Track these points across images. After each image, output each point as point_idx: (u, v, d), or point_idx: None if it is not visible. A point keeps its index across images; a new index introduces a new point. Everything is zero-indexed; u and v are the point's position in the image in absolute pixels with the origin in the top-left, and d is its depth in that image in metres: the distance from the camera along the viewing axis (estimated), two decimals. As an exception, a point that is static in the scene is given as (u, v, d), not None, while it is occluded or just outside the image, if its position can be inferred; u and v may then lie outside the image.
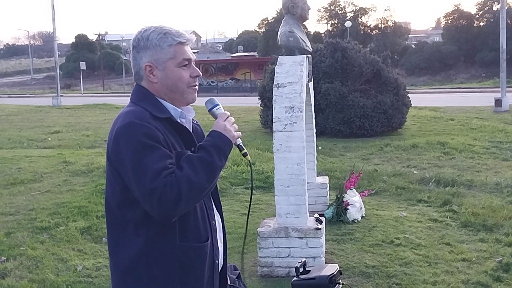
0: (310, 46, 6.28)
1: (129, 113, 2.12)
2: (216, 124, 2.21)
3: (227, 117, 2.24)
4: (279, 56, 5.98)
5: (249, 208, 2.50)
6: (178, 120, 2.20)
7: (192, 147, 2.18)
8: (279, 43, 6.14)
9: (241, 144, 2.28)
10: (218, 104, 2.30)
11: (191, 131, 2.26)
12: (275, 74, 5.69)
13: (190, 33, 2.25)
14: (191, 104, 2.30)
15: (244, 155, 2.29)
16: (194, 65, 2.25)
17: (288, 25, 6.08)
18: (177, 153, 2.09)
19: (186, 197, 1.97)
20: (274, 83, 5.63)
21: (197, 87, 2.27)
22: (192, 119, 2.33)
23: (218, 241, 2.30)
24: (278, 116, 5.50)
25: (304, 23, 6.77)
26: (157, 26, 2.20)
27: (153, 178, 1.95)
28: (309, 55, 6.26)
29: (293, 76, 5.62)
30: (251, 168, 2.68)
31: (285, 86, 5.57)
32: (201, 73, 2.31)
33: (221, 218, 2.38)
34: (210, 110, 2.29)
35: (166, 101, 2.20)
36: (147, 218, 2.05)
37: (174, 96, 2.20)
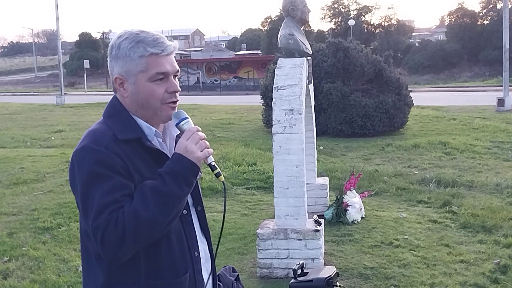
0: (310, 48, 6.31)
1: (89, 134, 1.92)
2: (178, 145, 1.92)
3: (192, 134, 1.90)
4: (279, 59, 6.02)
5: (221, 233, 2.14)
6: (154, 141, 1.97)
7: None
8: (279, 46, 6.18)
9: (213, 163, 1.96)
10: (186, 118, 1.99)
11: (173, 148, 1.99)
12: (275, 76, 5.74)
13: (172, 40, 2.00)
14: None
15: (217, 175, 1.97)
16: (174, 78, 1.97)
17: (288, 27, 6.12)
18: (143, 179, 1.86)
19: (132, 235, 1.74)
20: (274, 86, 5.68)
21: (175, 104, 1.98)
22: (178, 135, 2.05)
23: (203, 272, 2.05)
24: (278, 119, 5.55)
25: (307, 21, 6.80)
26: (133, 32, 1.94)
27: (97, 214, 1.75)
28: (309, 58, 6.30)
29: (292, 79, 5.66)
30: (224, 190, 2.13)
31: (284, 89, 5.61)
32: (179, 89, 1.99)
33: (209, 245, 2.12)
34: (177, 125, 2.00)
35: (139, 118, 1.96)
36: None
37: (146, 113, 1.95)
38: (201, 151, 1.89)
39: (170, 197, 1.80)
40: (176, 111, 1.99)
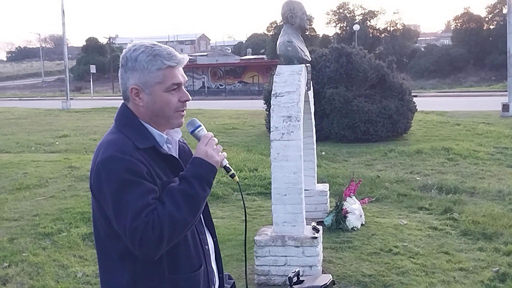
0: (309, 55, 6.33)
1: (111, 143, 2.03)
2: (198, 150, 2.09)
3: (209, 140, 2.11)
4: (277, 65, 6.04)
5: (245, 232, 2.41)
6: (164, 147, 2.13)
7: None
8: (278, 53, 6.20)
9: (227, 165, 2.17)
10: (200, 125, 2.18)
11: (177, 152, 2.20)
12: (273, 83, 5.76)
13: (184, 53, 2.16)
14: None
15: (232, 176, 2.18)
16: (184, 89, 2.14)
17: (287, 34, 6.14)
18: (162, 183, 2.02)
19: (169, 235, 1.91)
20: (272, 92, 5.69)
21: (184, 112, 2.15)
22: (179, 138, 2.25)
23: (212, 264, 2.25)
24: (276, 125, 5.56)
25: (312, 26, 6.81)
26: (148, 45, 2.08)
27: (134, 217, 1.89)
28: (308, 65, 6.31)
29: (291, 86, 5.67)
30: (240, 189, 2.46)
31: (282, 96, 5.62)
32: (190, 98, 2.16)
33: (214, 238, 2.30)
34: (192, 133, 2.17)
35: (151, 125, 2.11)
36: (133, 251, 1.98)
37: (160, 120, 2.11)
38: (220, 153, 2.11)
39: (197, 198, 1.99)
40: (189, 119, 2.17)
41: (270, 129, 5.67)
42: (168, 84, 2.07)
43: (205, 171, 2.04)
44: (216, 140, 2.14)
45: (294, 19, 6.13)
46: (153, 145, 2.07)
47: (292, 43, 6.00)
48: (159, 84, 2.06)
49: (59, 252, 6.34)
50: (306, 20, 6.20)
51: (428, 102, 23.36)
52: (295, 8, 6.13)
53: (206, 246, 2.20)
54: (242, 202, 8.47)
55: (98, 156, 2.02)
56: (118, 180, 1.93)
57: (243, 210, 8.14)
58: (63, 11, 33.18)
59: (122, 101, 2.18)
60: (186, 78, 2.17)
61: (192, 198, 1.98)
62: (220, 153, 2.11)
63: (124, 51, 2.13)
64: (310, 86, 6.77)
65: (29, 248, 6.42)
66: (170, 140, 2.18)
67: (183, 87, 2.13)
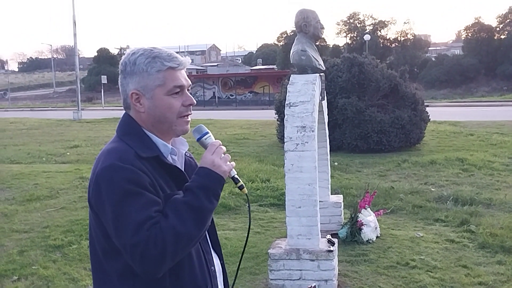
0: (323, 64, 6.22)
1: (111, 152, 1.90)
2: (204, 159, 1.94)
3: (216, 148, 1.96)
4: (291, 75, 5.94)
5: (245, 245, 2.25)
6: (169, 158, 2.00)
7: None
8: (291, 62, 6.10)
9: (236, 176, 2.03)
10: (207, 133, 2.03)
11: (183, 166, 2.06)
12: (287, 93, 5.65)
13: (186, 56, 2.04)
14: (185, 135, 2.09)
15: (240, 188, 2.04)
16: (188, 92, 2.00)
17: (300, 43, 6.04)
18: (165, 195, 1.88)
19: (172, 251, 1.76)
20: (286, 102, 5.59)
21: (189, 118, 2.01)
22: (185, 152, 2.13)
23: (219, 286, 2.10)
24: (290, 136, 5.45)
25: (322, 36, 6.73)
26: (147, 48, 1.96)
27: (135, 231, 1.74)
28: (322, 74, 6.21)
29: (305, 95, 5.56)
30: (248, 202, 2.23)
31: (297, 105, 5.52)
32: (195, 101, 2.03)
33: (220, 260, 2.17)
34: (198, 140, 2.04)
35: (154, 134, 1.98)
36: (134, 269, 1.82)
37: (162, 127, 1.97)
38: (228, 162, 1.96)
39: (203, 211, 1.83)
40: (196, 126, 2.04)
41: (282, 139, 5.57)
42: (170, 86, 1.94)
43: (212, 182, 1.89)
44: (224, 148, 2.00)
45: (308, 28, 6.03)
46: (156, 154, 1.93)
47: (306, 52, 5.90)
48: (159, 87, 1.93)
49: (69, 265, 6.24)
50: (320, 28, 6.10)
51: (440, 112, 23.16)
52: (309, 17, 6.03)
53: (212, 267, 2.05)
54: (252, 213, 8.46)
55: (97, 166, 1.88)
56: (118, 190, 1.78)
57: (251, 221, 8.07)
58: (75, 22, 33.39)
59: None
60: (190, 82, 2.04)
61: (197, 210, 1.82)
62: (228, 162, 1.97)
63: (123, 57, 2.01)
64: (324, 96, 6.66)
65: (39, 261, 6.33)
66: (176, 151, 2.04)
67: (186, 90, 1.99)
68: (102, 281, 1.94)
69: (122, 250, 1.79)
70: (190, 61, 2.06)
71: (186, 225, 1.79)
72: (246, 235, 2.24)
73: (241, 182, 2.05)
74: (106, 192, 1.80)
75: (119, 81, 2.01)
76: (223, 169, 1.93)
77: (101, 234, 1.89)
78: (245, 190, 2.06)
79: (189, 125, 2.03)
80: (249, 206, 2.24)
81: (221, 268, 2.15)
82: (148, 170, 1.86)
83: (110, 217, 1.80)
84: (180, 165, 2.06)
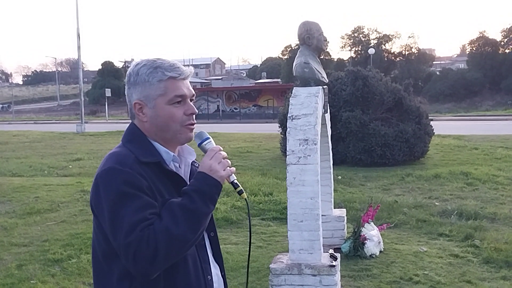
0: (326, 77, 6.16)
1: (112, 156, 1.96)
2: (202, 164, 1.98)
3: (215, 153, 1.99)
4: (294, 87, 5.88)
5: (249, 255, 2.23)
6: (171, 165, 2.03)
7: None
8: (294, 74, 6.05)
9: (235, 181, 2.04)
10: (208, 138, 2.07)
11: (188, 175, 2.09)
12: (290, 105, 5.59)
13: (189, 66, 2.08)
14: (190, 143, 2.12)
15: (240, 193, 2.05)
16: (190, 102, 2.04)
17: (303, 56, 5.99)
18: (163, 200, 1.90)
19: (165, 251, 1.78)
20: (288, 115, 5.53)
21: (193, 126, 2.05)
22: (193, 162, 2.16)
23: None
24: (292, 149, 5.38)
25: (326, 49, 6.68)
26: (150, 59, 2.02)
27: (129, 232, 1.77)
28: (325, 87, 6.15)
29: (307, 108, 5.50)
30: (248, 206, 2.21)
31: (299, 118, 5.46)
32: (196, 111, 2.08)
33: (221, 270, 2.18)
34: (199, 145, 2.07)
35: (158, 142, 2.02)
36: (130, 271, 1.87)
37: (166, 135, 2.02)
38: (224, 170, 1.97)
39: (198, 214, 1.85)
40: (198, 132, 2.08)
41: (285, 152, 5.50)
42: (171, 96, 1.98)
43: (208, 186, 1.91)
44: (224, 153, 2.02)
45: (311, 40, 5.98)
46: (158, 160, 1.97)
47: (309, 64, 5.85)
48: (161, 97, 1.98)
49: (68, 279, 6.16)
50: (323, 41, 6.05)
51: (444, 126, 23.07)
52: (312, 29, 5.99)
53: (209, 276, 2.06)
54: (253, 225, 8.37)
55: (98, 170, 1.95)
56: (115, 192, 1.83)
57: (253, 231, 8.02)
58: (79, 35, 33.53)
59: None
60: (193, 92, 2.06)
61: (192, 213, 1.84)
62: (228, 168, 1.99)
63: (129, 69, 2.07)
64: (327, 109, 6.60)
65: (38, 275, 6.25)
66: (178, 159, 2.08)
67: (188, 100, 2.03)
68: (102, 283, 1.99)
69: (116, 250, 1.83)
70: (193, 70, 2.09)
71: (180, 227, 1.81)
72: (244, 249, 2.20)
73: (240, 187, 2.05)
74: (104, 194, 1.86)
75: (125, 92, 2.07)
76: (220, 174, 1.95)
77: (101, 237, 1.93)
78: (245, 195, 2.07)
79: (193, 133, 2.07)
80: (248, 210, 2.18)
81: (221, 278, 2.16)
82: (147, 175, 1.91)
83: (107, 218, 1.84)
84: (185, 173, 2.09)
